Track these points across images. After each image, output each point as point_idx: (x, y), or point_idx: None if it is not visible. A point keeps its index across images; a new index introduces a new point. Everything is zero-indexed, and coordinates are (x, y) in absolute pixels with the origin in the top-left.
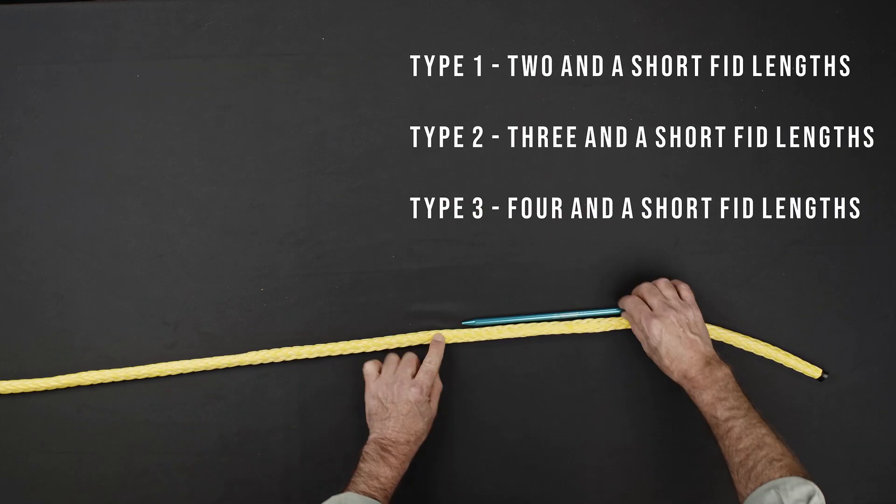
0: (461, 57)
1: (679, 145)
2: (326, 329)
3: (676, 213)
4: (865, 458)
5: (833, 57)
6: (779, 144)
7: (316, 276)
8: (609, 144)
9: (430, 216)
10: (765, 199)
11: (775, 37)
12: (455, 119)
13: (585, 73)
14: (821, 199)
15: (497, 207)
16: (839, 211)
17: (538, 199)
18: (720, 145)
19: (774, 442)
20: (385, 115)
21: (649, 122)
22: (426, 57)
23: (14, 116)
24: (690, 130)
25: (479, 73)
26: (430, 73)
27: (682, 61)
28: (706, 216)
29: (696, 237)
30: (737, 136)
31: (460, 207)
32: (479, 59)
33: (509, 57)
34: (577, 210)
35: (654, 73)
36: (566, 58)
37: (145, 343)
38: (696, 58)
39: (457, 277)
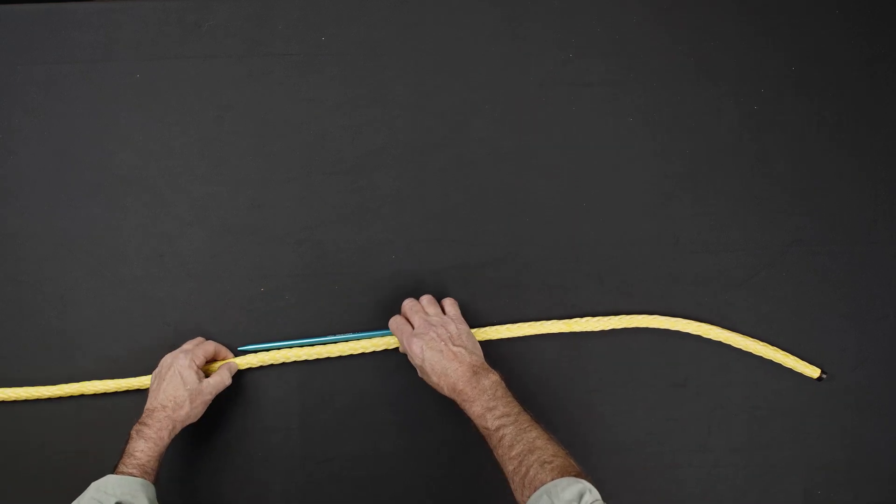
0: (461, 57)
1: (679, 145)
2: (326, 329)
3: (675, 213)
4: (865, 458)
5: (833, 57)
6: (779, 144)
7: (316, 276)
8: (609, 145)
9: (429, 216)
10: (765, 199)
11: (775, 37)
12: (454, 119)
13: (585, 74)
14: (821, 199)
15: (496, 207)
16: (839, 211)
17: (538, 200)
18: (720, 145)
19: (545, 444)
20: (385, 115)
21: (649, 122)
22: (426, 57)
23: (14, 117)
24: (690, 130)
25: (479, 73)
26: (429, 73)
27: (682, 61)
28: (706, 216)
29: (695, 237)
30: (736, 136)
31: (460, 207)
32: (478, 59)
33: (509, 57)
34: (576, 210)
35: (654, 73)
36: (566, 57)
37: (146, 343)
38: (696, 58)
39: (457, 277)
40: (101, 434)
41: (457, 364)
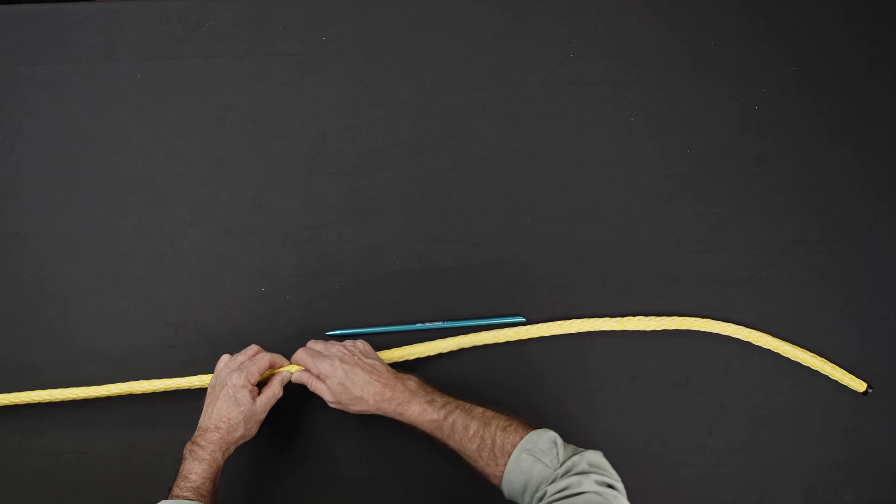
0: (461, 57)
1: (679, 145)
2: (327, 329)
3: (676, 213)
4: (866, 458)
5: (834, 57)
6: (779, 144)
7: (317, 276)
8: (609, 145)
9: (430, 216)
10: (765, 199)
11: (776, 36)
12: (455, 119)
13: (586, 73)
14: (821, 199)
15: (497, 207)
16: (839, 211)
17: (539, 199)
18: (721, 145)
19: (495, 415)
20: (385, 115)
21: (649, 123)
22: (426, 57)
23: (14, 117)
24: (691, 130)
25: (479, 73)
26: (430, 73)
27: (682, 61)
28: (706, 216)
29: (697, 237)
30: (737, 136)
31: (461, 207)
32: (479, 58)
33: (510, 57)
34: (577, 210)
35: (655, 73)
36: (567, 57)
37: (147, 343)
38: (696, 58)
39: (457, 277)
40: (101, 434)
41: (377, 374)
